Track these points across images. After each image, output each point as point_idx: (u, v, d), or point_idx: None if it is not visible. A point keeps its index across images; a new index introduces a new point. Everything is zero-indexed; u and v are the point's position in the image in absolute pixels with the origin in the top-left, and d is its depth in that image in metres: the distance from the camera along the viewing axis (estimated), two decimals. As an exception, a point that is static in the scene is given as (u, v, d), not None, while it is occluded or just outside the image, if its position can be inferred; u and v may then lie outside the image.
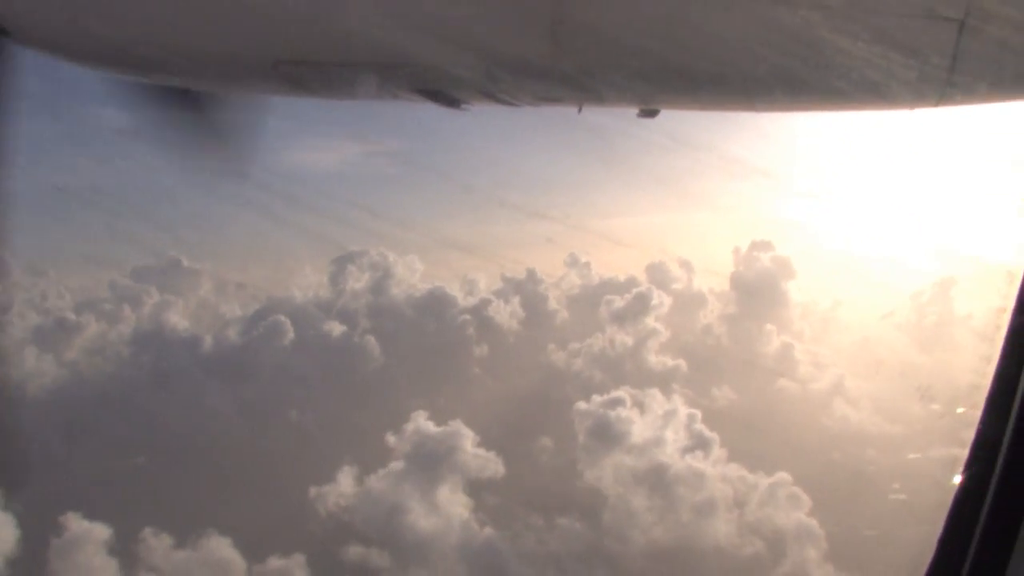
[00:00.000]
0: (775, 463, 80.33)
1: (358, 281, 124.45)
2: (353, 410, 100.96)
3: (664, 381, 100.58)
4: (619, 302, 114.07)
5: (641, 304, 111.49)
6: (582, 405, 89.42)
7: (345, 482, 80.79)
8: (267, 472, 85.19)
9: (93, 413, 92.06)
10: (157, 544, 74.54)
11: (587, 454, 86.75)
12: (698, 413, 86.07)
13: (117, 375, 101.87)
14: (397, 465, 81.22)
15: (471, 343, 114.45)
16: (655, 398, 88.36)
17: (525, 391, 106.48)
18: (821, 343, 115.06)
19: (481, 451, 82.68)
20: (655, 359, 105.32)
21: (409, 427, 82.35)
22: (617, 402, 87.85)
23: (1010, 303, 4.24)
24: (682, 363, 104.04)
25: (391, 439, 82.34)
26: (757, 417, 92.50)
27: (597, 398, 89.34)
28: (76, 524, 72.74)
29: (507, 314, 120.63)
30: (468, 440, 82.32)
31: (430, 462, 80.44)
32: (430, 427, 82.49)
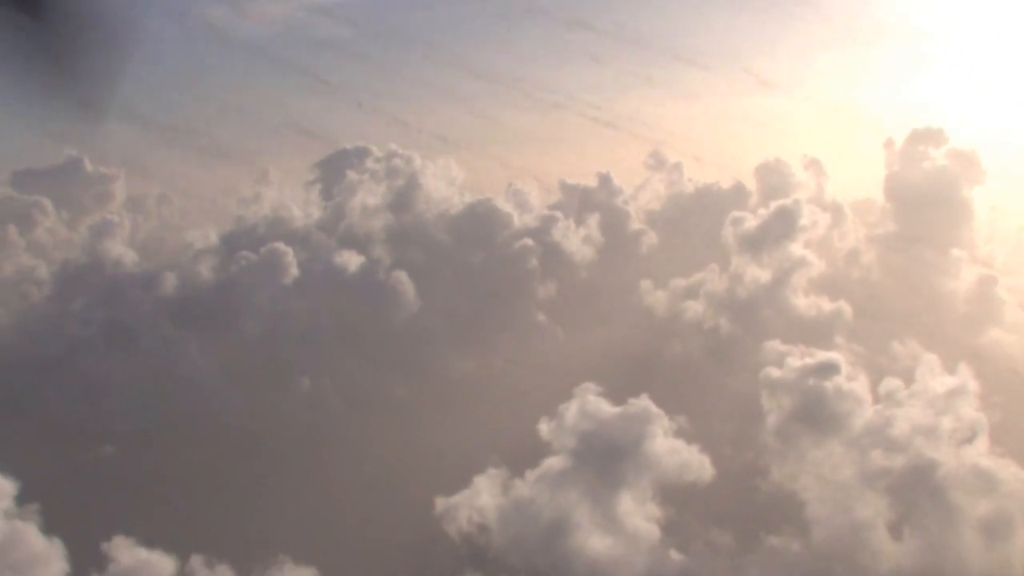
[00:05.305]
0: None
1: (369, 193, 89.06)
2: (386, 374, 69.19)
3: (824, 333, 73.25)
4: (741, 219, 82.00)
5: (779, 221, 79.74)
6: (773, 372, 60.25)
7: (485, 488, 49.22)
8: (345, 476, 56.38)
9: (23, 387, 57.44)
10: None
11: (781, 441, 58.35)
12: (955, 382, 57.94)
13: (43, 332, 66.18)
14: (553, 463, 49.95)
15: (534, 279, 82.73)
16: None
17: (618, 348, 76.93)
18: None
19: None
20: (804, 302, 76.96)
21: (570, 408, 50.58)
22: (829, 368, 59.12)
23: None
24: (845, 307, 76.31)
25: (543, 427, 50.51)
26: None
27: (793, 362, 60.20)
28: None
29: (579, 238, 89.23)
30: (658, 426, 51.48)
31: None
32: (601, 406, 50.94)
